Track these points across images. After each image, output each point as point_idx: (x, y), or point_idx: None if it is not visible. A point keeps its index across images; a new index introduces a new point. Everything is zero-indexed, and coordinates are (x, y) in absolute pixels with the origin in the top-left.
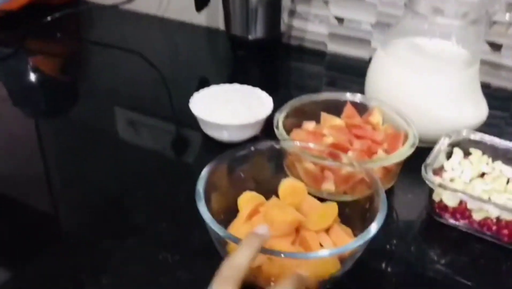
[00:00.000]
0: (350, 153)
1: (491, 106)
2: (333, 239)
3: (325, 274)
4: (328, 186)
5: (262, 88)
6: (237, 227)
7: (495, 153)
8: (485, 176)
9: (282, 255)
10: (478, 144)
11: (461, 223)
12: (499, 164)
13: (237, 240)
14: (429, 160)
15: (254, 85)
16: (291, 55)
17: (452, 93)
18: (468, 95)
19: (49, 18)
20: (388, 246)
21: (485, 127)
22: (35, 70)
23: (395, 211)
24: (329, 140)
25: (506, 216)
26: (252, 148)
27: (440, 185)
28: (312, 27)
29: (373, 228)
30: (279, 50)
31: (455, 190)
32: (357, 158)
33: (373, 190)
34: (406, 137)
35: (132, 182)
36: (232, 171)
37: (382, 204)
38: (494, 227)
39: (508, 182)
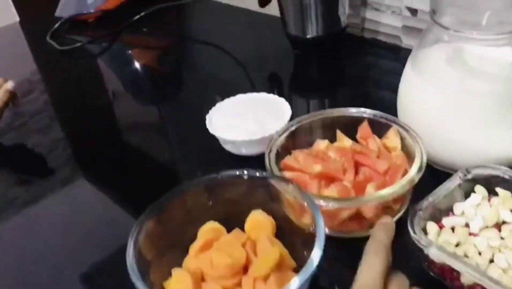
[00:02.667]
0: (333, 186)
1: None
2: None
3: None
4: (307, 220)
5: (327, 89)
6: (188, 263)
7: None
8: (504, 226)
9: None
10: (508, 183)
11: (450, 284)
12: None
13: None
14: (425, 203)
15: (317, 85)
16: (362, 50)
17: (486, 115)
18: (509, 118)
19: (141, 14)
20: None
21: None
22: (136, 62)
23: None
24: (317, 169)
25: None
26: (219, 177)
27: (419, 242)
28: (385, 18)
29: None
30: (348, 45)
31: (437, 249)
32: (340, 194)
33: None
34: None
35: None
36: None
37: (315, 254)
38: None
39: None
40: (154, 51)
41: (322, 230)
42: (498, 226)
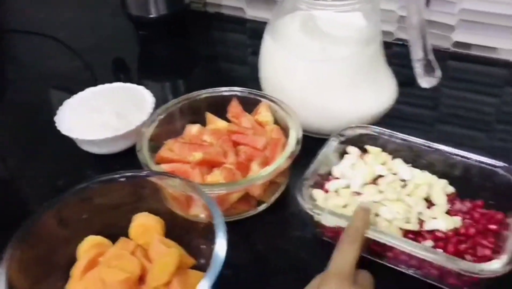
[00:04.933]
0: (216, 172)
1: None
2: None
3: None
4: (196, 211)
5: (180, 69)
6: (71, 287)
7: (396, 149)
8: (380, 179)
9: None
10: (376, 140)
11: None
12: (397, 163)
13: None
14: (308, 172)
15: (168, 66)
16: (208, 25)
17: (347, 78)
18: (368, 79)
19: None
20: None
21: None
22: None
23: (279, 224)
24: (198, 156)
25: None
26: (91, 184)
27: (312, 209)
28: None
29: None
30: (192, 22)
31: (329, 214)
32: (227, 178)
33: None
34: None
35: None
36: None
37: (220, 247)
38: (378, 249)
39: (405, 185)
40: None
41: (221, 220)
42: (375, 181)
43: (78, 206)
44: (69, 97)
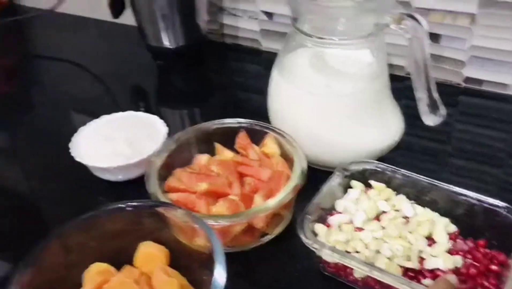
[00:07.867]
0: (221, 202)
1: None
2: None
3: None
4: (200, 241)
5: (196, 99)
6: None
7: (400, 185)
8: (383, 215)
9: None
10: (380, 175)
11: (345, 280)
12: (401, 200)
13: None
14: (310, 206)
15: (185, 95)
16: (225, 56)
17: (351, 114)
18: (374, 114)
19: None
20: None
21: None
22: None
23: (283, 257)
24: (203, 187)
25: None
26: (99, 213)
27: (312, 245)
28: (242, 23)
29: None
30: (210, 52)
31: (329, 250)
32: (230, 209)
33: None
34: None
35: None
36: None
37: (219, 277)
38: (377, 287)
39: (408, 222)
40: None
41: (221, 252)
42: (378, 217)
43: (84, 234)
44: (85, 123)
